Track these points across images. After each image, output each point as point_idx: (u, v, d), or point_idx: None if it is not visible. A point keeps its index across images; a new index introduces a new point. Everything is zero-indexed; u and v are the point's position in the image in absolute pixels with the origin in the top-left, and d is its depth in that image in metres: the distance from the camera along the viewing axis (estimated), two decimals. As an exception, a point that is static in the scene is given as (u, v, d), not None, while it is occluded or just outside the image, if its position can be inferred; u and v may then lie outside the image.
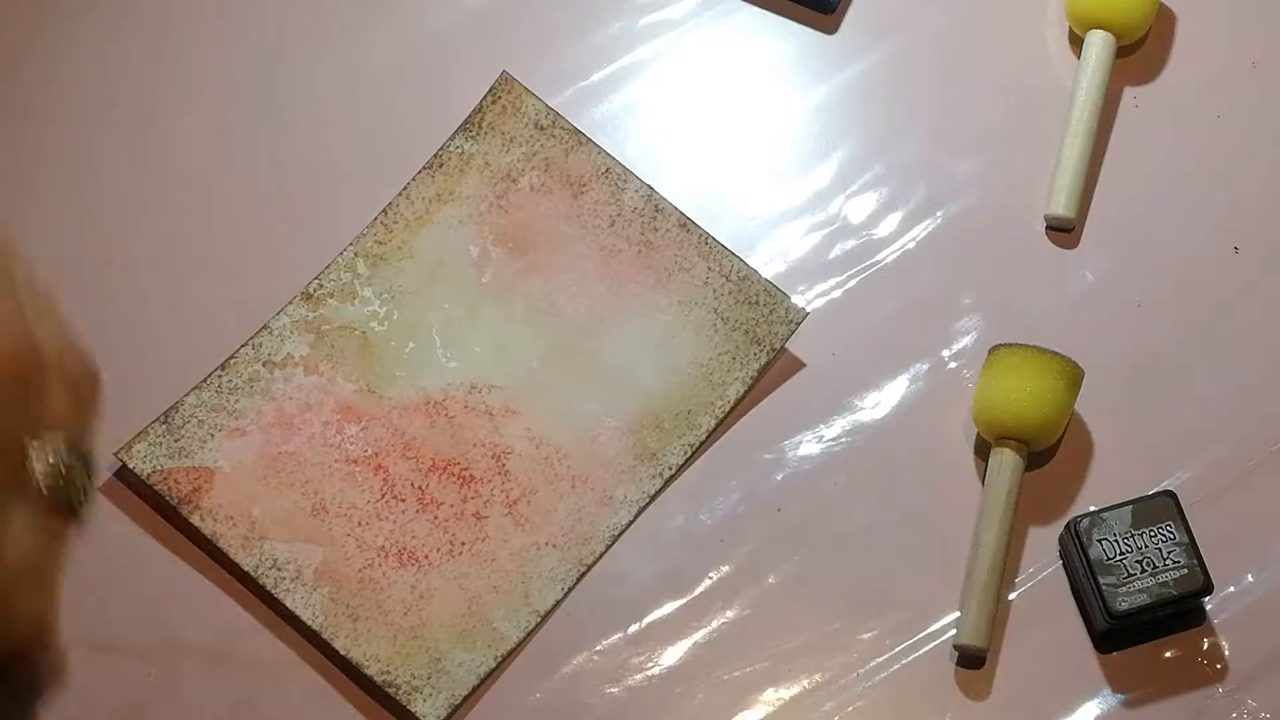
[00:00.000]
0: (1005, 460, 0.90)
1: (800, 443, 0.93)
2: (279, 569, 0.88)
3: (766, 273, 0.94)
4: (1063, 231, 0.97)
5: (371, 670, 0.86)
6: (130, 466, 0.89)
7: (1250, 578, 0.90)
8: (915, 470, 0.92)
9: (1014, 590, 0.89)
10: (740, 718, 0.87)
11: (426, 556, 0.88)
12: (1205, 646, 0.88)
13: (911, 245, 0.97)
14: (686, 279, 0.94)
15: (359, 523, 0.89)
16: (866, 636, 0.89)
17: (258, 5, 1.02)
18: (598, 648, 0.89)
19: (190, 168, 0.98)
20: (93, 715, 0.87)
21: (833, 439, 0.93)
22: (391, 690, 0.86)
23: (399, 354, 0.92)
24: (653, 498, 0.91)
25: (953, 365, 0.94)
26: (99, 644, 0.88)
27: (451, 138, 0.96)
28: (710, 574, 0.90)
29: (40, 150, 0.98)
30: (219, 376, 0.91)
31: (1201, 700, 0.87)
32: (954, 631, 0.88)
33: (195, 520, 0.88)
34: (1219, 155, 0.99)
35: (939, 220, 0.97)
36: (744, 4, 1.03)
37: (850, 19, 1.02)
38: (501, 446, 0.91)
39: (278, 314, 0.93)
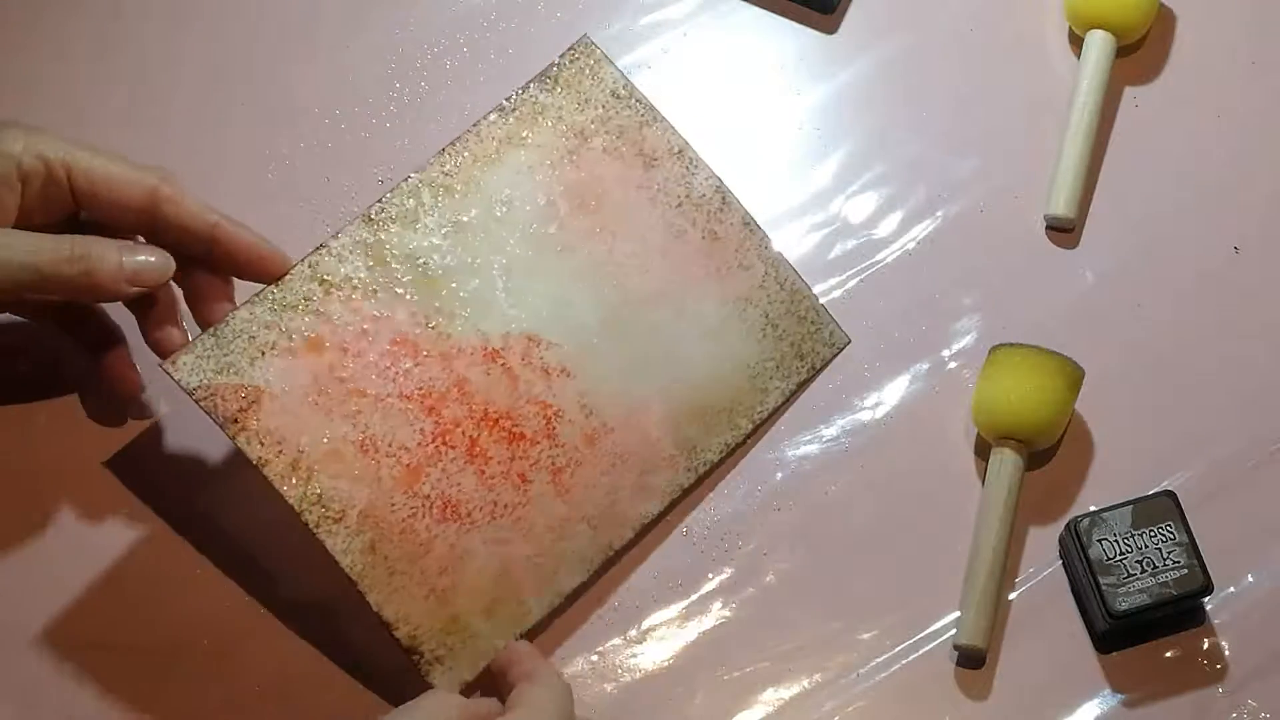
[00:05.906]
0: (1005, 460, 0.90)
1: (800, 443, 0.93)
2: (323, 505, 0.85)
3: (767, 273, 0.95)
4: (1063, 231, 0.97)
5: (401, 633, 0.85)
6: (176, 379, 0.86)
7: (1250, 578, 0.90)
8: (915, 470, 0.92)
9: (1014, 590, 0.89)
10: (740, 718, 0.87)
11: (469, 514, 0.88)
12: (1205, 646, 0.88)
13: (911, 245, 0.97)
14: (745, 277, 0.94)
15: (407, 465, 0.87)
16: (866, 636, 0.89)
17: None
18: (597, 648, 0.89)
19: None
20: (93, 715, 0.87)
21: (832, 439, 0.93)
22: (415, 657, 0.85)
23: (460, 291, 0.90)
24: (686, 491, 0.91)
25: (953, 365, 0.94)
26: (99, 644, 0.88)
27: (525, 86, 0.94)
28: (710, 574, 0.90)
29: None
30: (272, 293, 0.88)
31: (1201, 700, 0.87)
32: (954, 631, 0.88)
33: (240, 442, 0.85)
34: (1219, 155, 0.99)
35: (939, 220, 0.97)
36: (744, 4, 1.03)
37: (850, 19, 1.02)
38: (554, 408, 0.90)
39: (336, 234, 0.90)
